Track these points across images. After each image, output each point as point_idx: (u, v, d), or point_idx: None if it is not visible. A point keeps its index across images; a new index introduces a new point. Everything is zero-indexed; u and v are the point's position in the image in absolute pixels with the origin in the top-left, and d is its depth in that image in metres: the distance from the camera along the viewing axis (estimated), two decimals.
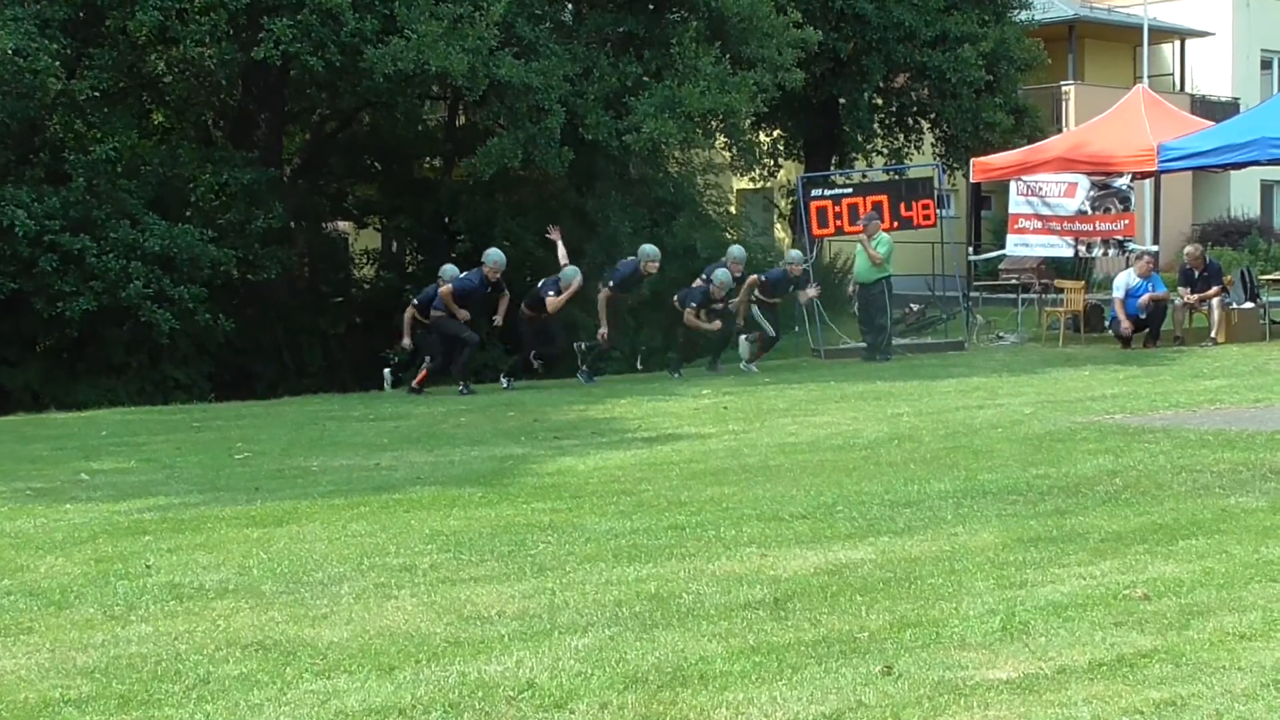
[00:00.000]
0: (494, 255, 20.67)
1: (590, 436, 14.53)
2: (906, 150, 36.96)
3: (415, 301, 21.19)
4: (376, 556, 8.71)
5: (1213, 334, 22.90)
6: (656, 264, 21.46)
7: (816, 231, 24.33)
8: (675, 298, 21.95)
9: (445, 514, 10.15)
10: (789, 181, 36.00)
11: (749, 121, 30.15)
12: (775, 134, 36.93)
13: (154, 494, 11.63)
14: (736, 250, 22.37)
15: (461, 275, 20.63)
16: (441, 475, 12.20)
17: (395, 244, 33.92)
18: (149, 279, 23.80)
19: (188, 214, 25.93)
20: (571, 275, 20.74)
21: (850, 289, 24.66)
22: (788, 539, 8.79)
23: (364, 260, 34.11)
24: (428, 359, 20.52)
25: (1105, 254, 25.71)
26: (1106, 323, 24.30)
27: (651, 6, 28.30)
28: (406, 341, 21.03)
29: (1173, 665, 5.83)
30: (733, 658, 6.27)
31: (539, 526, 9.52)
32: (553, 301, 20.52)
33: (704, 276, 21.73)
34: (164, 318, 23.73)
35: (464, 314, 20.16)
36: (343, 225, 33.97)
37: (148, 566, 8.59)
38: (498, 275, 20.42)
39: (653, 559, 8.34)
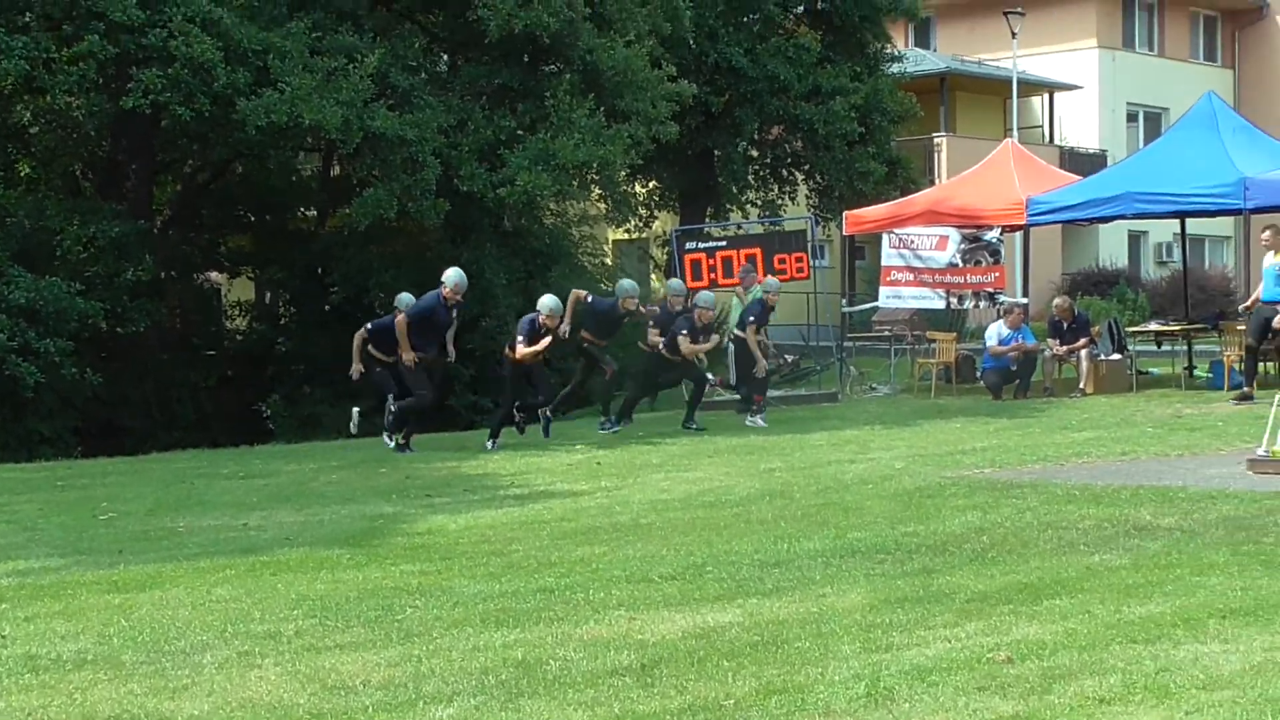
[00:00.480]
0: (454, 275, 18.56)
1: (462, 494, 14.45)
2: (781, 201, 37.27)
3: (369, 327, 19.57)
4: (241, 623, 8.58)
5: (1081, 385, 23.19)
6: (635, 299, 20.23)
7: (690, 284, 24.39)
8: (652, 334, 20.56)
9: (313, 577, 10.03)
10: (664, 232, 36.14)
11: (624, 173, 30.25)
12: (651, 185, 37.10)
13: (13, 558, 11.41)
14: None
15: (418, 301, 18.96)
16: (310, 536, 12.06)
17: (269, 295, 33.63)
18: (13, 332, 23.42)
19: (54, 266, 25.54)
20: (553, 306, 18.81)
21: (726, 340, 24.70)
22: (657, 601, 8.77)
23: (237, 312, 33.80)
24: (390, 401, 18.90)
25: (976, 306, 26.03)
26: (978, 374, 24.56)
27: (526, 59, 28.34)
28: (357, 368, 19.40)
29: None
30: None
31: (407, 590, 9.43)
32: (521, 350, 18.50)
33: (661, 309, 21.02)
34: (29, 371, 23.34)
35: (411, 355, 18.18)
36: (215, 276, 33.67)
37: (3, 636, 8.41)
38: (459, 298, 18.55)
39: (520, 623, 8.28)
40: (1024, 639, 7.38)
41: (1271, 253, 20.25)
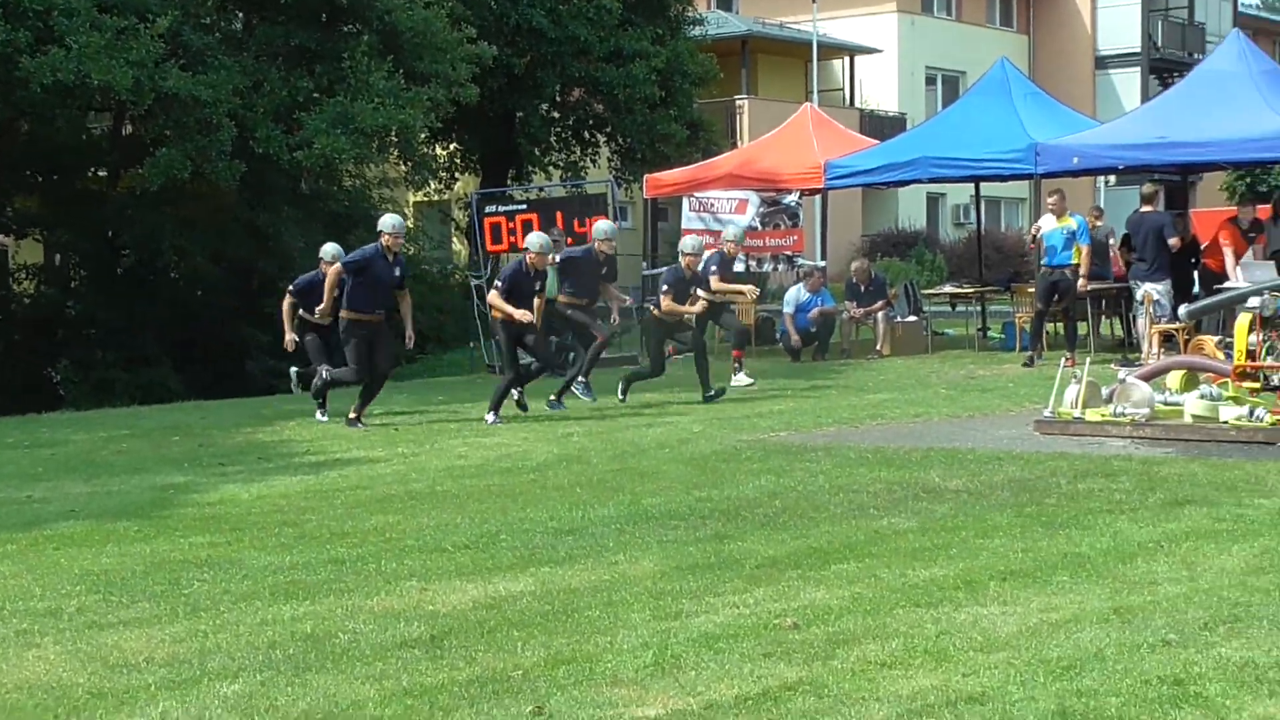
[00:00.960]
0: (391, 219, 16.84)
1: (257, 462, 14.24)
2: (583, 164, 37.22)
3: (292, 289, 17.92)
4: (20, 600, 8.37)
5: (878, 347, 23.55)
6: (613, 241, 18.25)
7: (490, 247, 24.29)
8: (665, 299, 18.16)
9: (98, 551, 9.81)
10: (466, 194, 35.93)
11: (424, 136, 29.99)
12: (452, 148, 36.83)
13: None
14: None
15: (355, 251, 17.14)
16: (97, 507, 11.81)
17: (58, 258, 32.80)
18: None
19: None
20: (543, 243, 16.91)
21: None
22: (449, 571, 8.72)
23: (24, 275, 32.90)
24: (324, 373, 17.08)
25: (776, 269, 26.26)
26: (777, 335, 24.79)
27: (324, 19, 27.94)
28: (291, 338, 17.76)
29: (815, 697, 5.92)
30: (385, 701, 6.18)
31: (195, 563, 9.27)
32: (504, 306, 16.33)
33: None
34: None
35: (326, 308, 16.52)
36: (1, 238, 32.73)
37: None
38: (401, 243, 16.74)
39: (311, 596, 8.18)
40: (811, 604, 7.47)
41: (1054, 217, 20.72)
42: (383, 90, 26.00)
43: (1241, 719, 5.30)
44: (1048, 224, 20.86)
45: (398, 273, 16.59)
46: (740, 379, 19.15)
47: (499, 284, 16.61)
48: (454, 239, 39.63)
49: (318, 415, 17.30)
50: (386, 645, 7.06)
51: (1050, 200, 21.06)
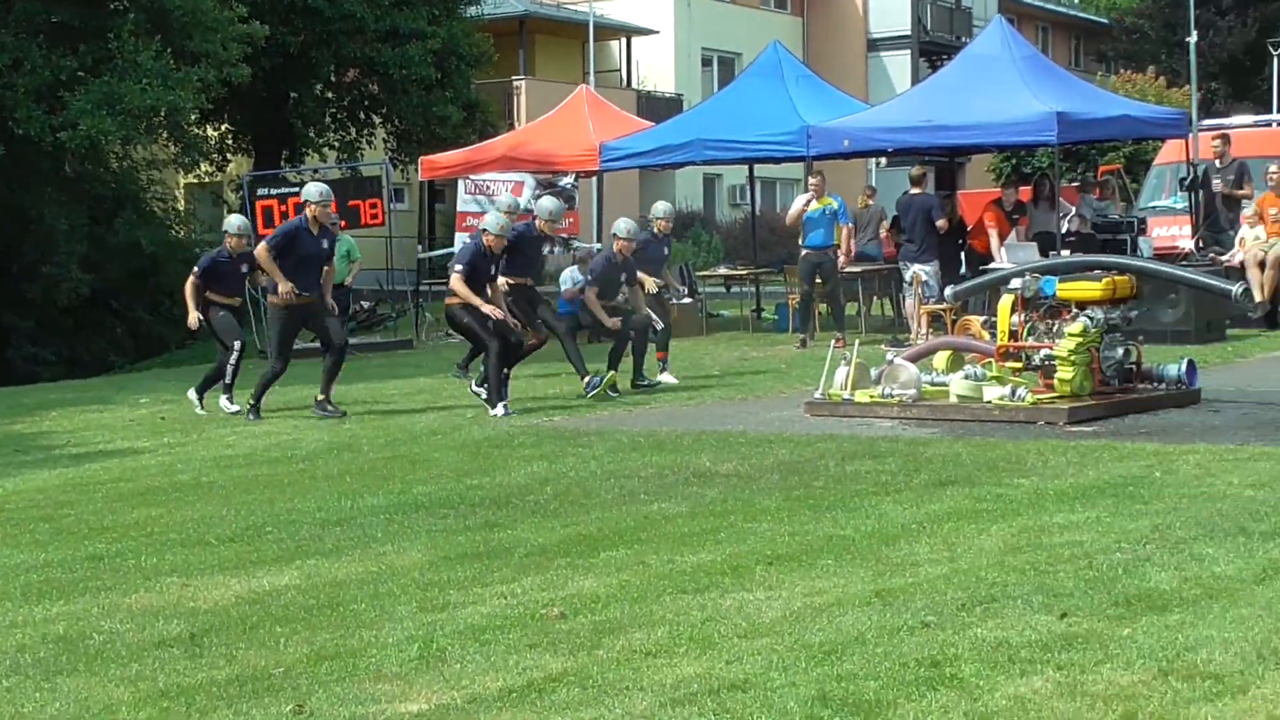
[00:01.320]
0: (315, 188, 15.73)
1: (13, 454, 13.84)
2: (360, 145, 36.80)
3: (197, 270, 16.50)
4: None
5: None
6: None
7: (263, 230, 23.85)
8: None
9: None
10: (239, 176, 35.31)
11: (195, 117, 29.36)
12: (223, 128, 36.16)
13: None
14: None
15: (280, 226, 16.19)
16: None
17: None
18: None
19: None
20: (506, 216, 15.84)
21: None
22: (212, 566, 8.54)
23: None
24: (232, 354, 16.03)
25: (552, 251, 26.16)
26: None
27: None
28: (194, 316, 16.26)
29: (580, 688, 5.89)
30: (140, 704, 6.02)
31: None
32: (455, 283, 15.22)
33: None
34: None
35: (288, 288, 15.02)
36: None
37: None
38: (329, 215, 15.75)
39: (65, 595, 7.95)
40: (579, 593, 7.44)
41: (815, 199, 21.02)
42: (151, 70, 25.42)
43: (994, 699, 5.38)
44: (800, 205, 21.15)
45: (325, 245, 15.51)
46: (668, 378, 17.46)
47: (459, 268, 15.36)
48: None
49: (224, 402, 16.17)
50: (144, 645, 6.88)
51: (813, 182, 21.37)
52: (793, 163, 24.42)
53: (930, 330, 20.53)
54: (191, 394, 16.43)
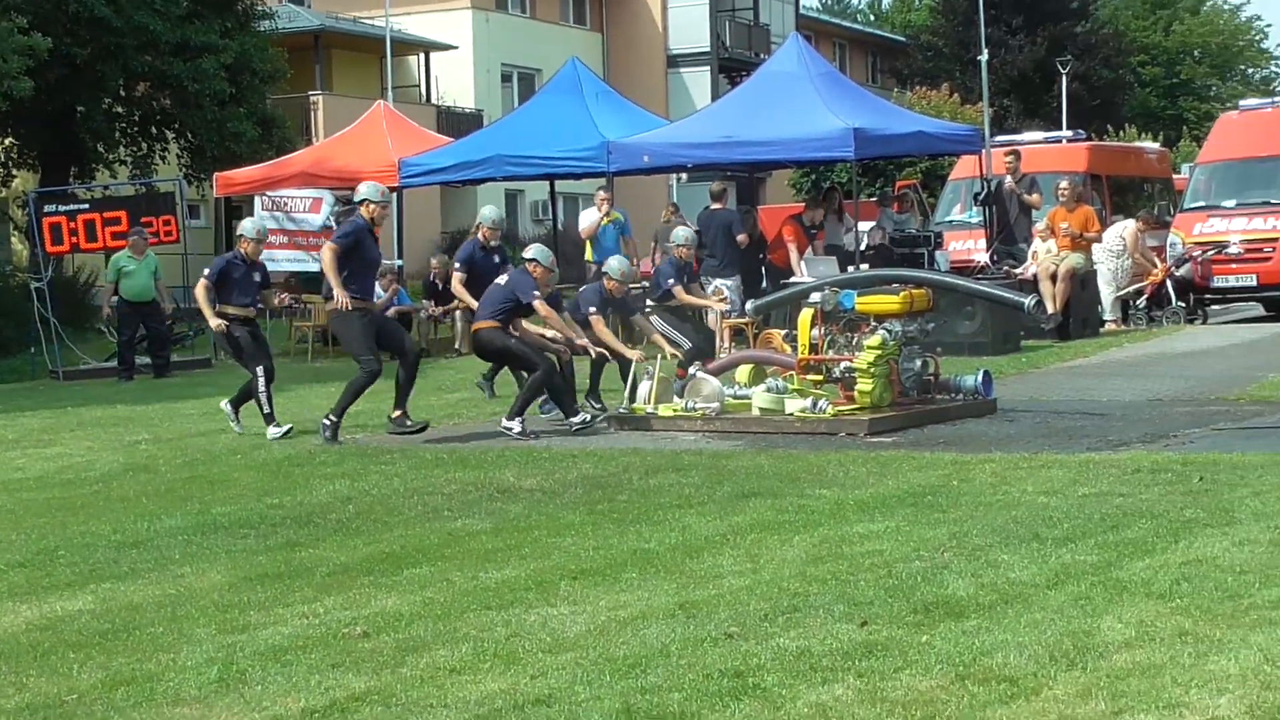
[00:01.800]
0: (376, 188, 14.61)
1: None
2: (153, 161, 36.10)
3: (209, 273, 14.94)
4: None
5: (457, 345, 23.53)
6: (499, 230, 16.27)
7: (51, 249, 23.35)
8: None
9: None
10: (25, 191, 34.44)
11: None
12: (7, 143, 35.21)
13: None
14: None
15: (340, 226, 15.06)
16: None
17: None
18: None
19: None
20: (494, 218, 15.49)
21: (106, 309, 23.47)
22: (1, 592, 8.30)
23: None
24: (258, 380, 14.64)
25: None
26: None
27: None
28: (217, 322, 14.82)
29: (383, 706, 5.83)
30: None
31: None
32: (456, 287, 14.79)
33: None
34: None
35: (344, 297, 13.74)
36: None
37: None
38: (384, 211, 14.57)
39: None
40: (382, 611, 7.37)
41: (602, 214, 21.28)
42: None
43: (796, 707, 5.43)
44: (590, 218, 21.31)
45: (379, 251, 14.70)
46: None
47: (457, 267, 14.67)
48: (13, 239, 37.87)
49: (272, 431, 14.42)
50: None
51: (599, 195, 21.54)
52: (593, 178, 24.46)
53: (733, 344, 20.70)
54: (225, 405, 15.06)
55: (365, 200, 14.30)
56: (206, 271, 14.86)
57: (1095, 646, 5.89)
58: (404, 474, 11.76)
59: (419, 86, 49.39)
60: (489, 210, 16.80)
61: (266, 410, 14.55)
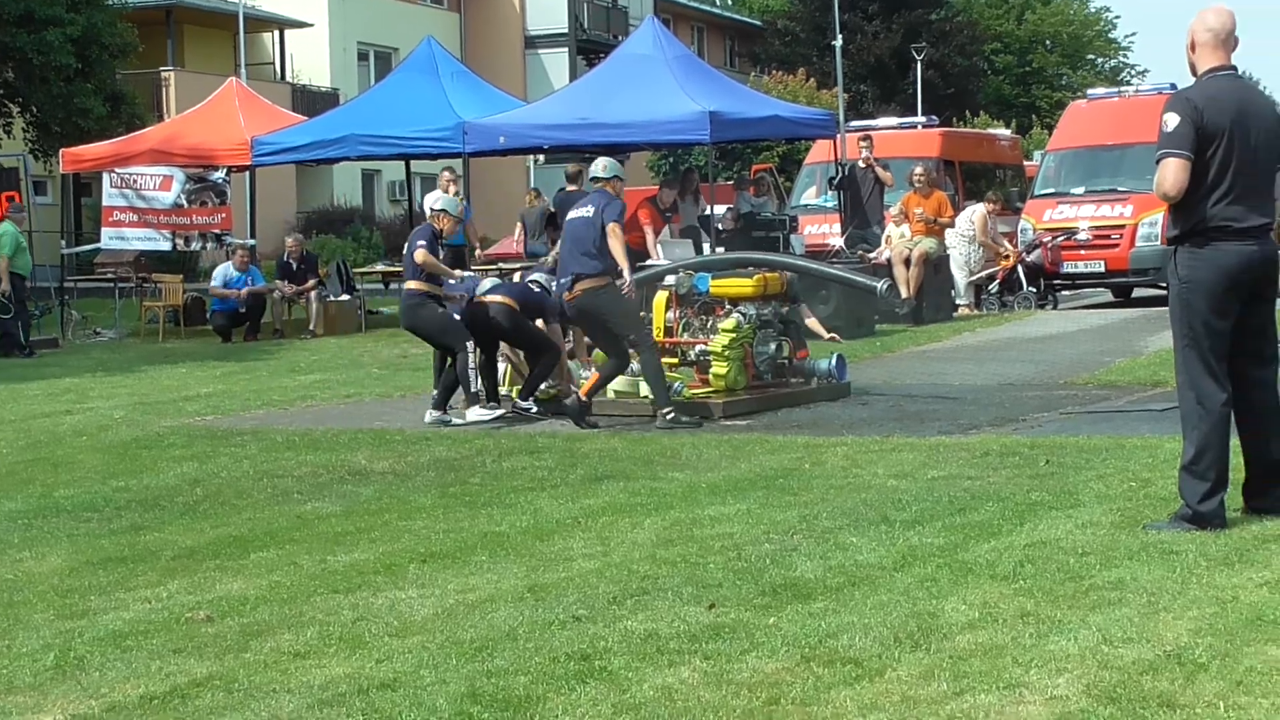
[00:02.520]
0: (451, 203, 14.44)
1: None
2: None
3: (424, 241, 13.75)
4: None
5: (311, 326, 23.31)
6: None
7: None
8: None
9: None
10: None
11: None
12: None
13: None
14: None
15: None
16: None
17: None
18: None
19: None
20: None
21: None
22: None
23: None
24: (467, 355, 13.41)
25: (204, 247, 25.67)
26: (207, 315, 24.23)
27: None
28: (459, 273, 14.41)
29: (225, 693, 5.73)
30: None
31: None
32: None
33: None
34: None
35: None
36: None
37: None
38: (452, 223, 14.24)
39: None
40: (227, 595, 7.26)
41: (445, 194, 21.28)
42: None
43: (643, 689, 5.42)
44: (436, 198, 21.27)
45: None
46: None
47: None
48: None
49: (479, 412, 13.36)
50: None
51: (446, 176, 21.61)
52: (450, 158, 24.32)
53: None
54: (431, 415, 13.40)
55: (443, 212, 14.10)
56: (423, 243, 13.72)
57: (939, 628, 5.94)
58: (254, 457, 11.62)
59: (273, 64, 48.82)
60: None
61: (475, 389, 13.46)
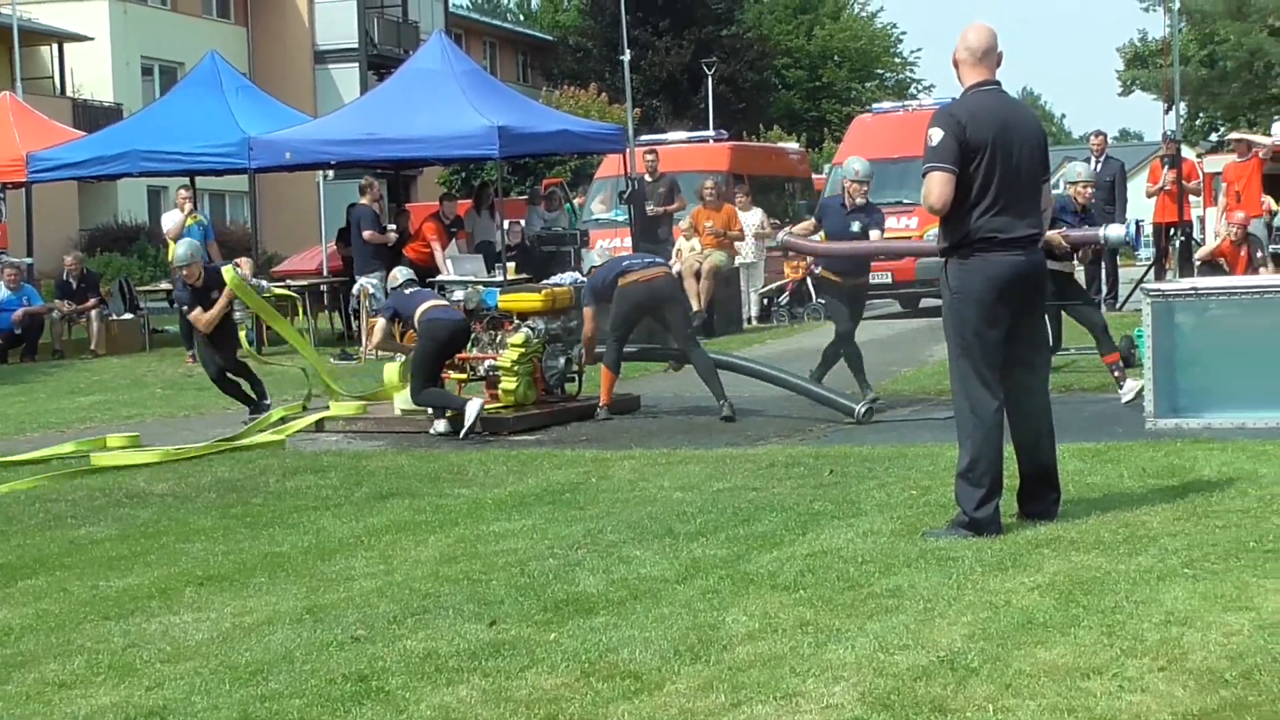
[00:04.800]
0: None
1: None
2: None
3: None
4: None
5: (93, 346, 22.76)
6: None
7: None
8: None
9: None
10: None
11: None
12: None
13: None
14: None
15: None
16: None
17: None
18: None
19: None
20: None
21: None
22: None
23: None
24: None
25: None
26: None
27: None
28: None
29: None
30: None
31: None
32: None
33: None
34: None
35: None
36: None
37: None
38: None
39: None
40: None
41: (185, 215, 21.11)
42: None
43: (420, 709, 5.34)
44: (174, 219, 21.05)
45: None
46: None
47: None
48: None
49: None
50: None
51: (183, 194, 21.61)
52: (236, 174, 23.93)
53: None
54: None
55: (185, 265, 14.40)
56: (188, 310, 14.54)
57: (719, 639, 5.93)
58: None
59: (52, 78, 47.61)
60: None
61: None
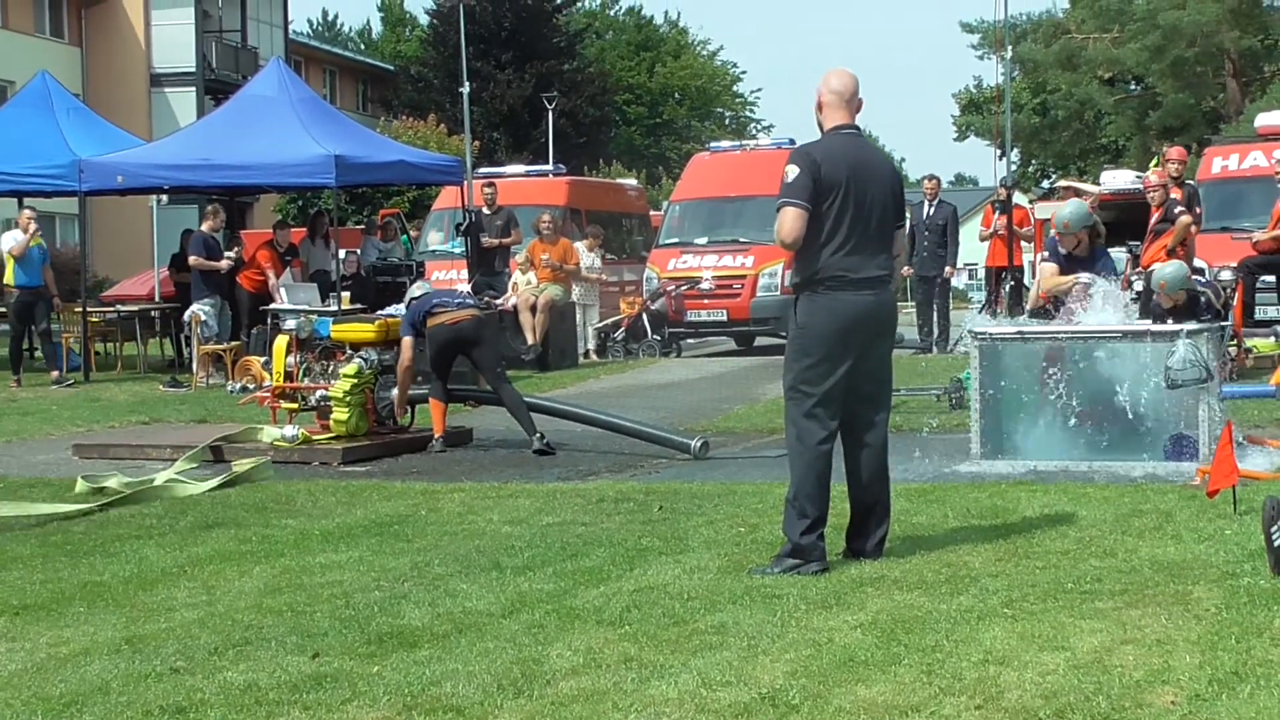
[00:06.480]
0: None
1: None
2: None
3: None
4: None
5: None
6: None
7: None
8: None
9: None
10: None
11: None
12: None
13: None
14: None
15: None
16: None
17: None
18: None
19: None
20: None
21: None
22: None
23: None
24: None
25: None
26: None
27: None
28: None
29: None
30: None
31: None
32: None
33: None
34: None
35: None
36: None
37: None
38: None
39: None
40: None
41: (28, 235, 20.85)
42: None
43: None
44: (17, 239, 20.82)
45: None
46: None
47: None
48: None
49: None
50: None
51: (26, 214, 21.33)
52: (65, 197, 23.52)
53: (210, 371, 20.30)
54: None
55: None
56: None
57: (543, 674, 5.94)
58: None
59: None
60: None
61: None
